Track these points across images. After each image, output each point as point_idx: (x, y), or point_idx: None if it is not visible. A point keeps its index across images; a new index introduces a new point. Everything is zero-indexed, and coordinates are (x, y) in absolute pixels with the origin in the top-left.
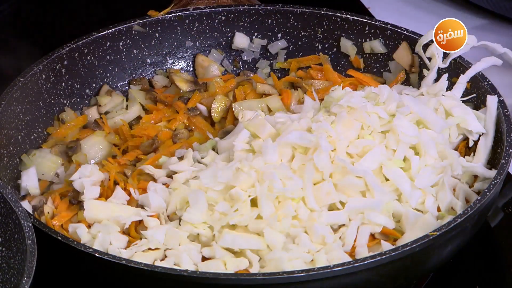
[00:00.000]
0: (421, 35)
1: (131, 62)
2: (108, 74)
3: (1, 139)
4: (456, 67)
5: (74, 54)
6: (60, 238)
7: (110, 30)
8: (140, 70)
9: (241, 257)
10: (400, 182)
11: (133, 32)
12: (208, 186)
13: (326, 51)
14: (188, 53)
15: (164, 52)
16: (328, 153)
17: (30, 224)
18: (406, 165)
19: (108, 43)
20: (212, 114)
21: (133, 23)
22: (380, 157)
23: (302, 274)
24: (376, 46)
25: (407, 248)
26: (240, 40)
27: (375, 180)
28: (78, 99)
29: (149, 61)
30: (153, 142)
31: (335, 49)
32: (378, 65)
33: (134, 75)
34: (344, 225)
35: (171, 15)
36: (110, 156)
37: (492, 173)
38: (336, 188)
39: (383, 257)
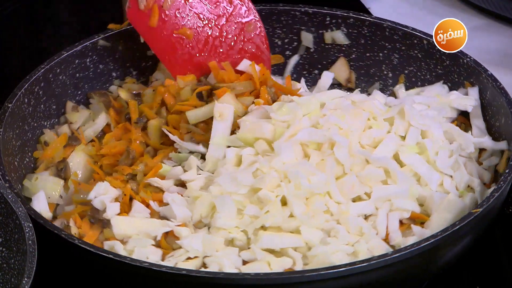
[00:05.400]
0: (385, 20)
1: (98, 77)
2: (79, 92)
3: (4, 166)
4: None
5: (48, 75)
6: (111, 255)
7: (78, 48)
8: (107, 85)
9: (283, 257)
10: (419, 167)
11: (98, 47)
12: (231, 191)
13: (286, 46)
14: (150, 63)
15: (128, 64)
16: (347, 146)
17: (30, 225)
18: (419, 150)
19: (77, 60)
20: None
21: (98, 38)
22: (395, 144)
23: (343, 269)
24: (338, 36)
25: (447, 233)
26: None
27: (398, 167)
28: (56, 120)
29: (114, 75)
30: (129, 154)
31: (295, 43)
32: (341, 54)
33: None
34: (371, 214)
35: (131, 26)
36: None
37: (502, 144)
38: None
39: (426, 243)
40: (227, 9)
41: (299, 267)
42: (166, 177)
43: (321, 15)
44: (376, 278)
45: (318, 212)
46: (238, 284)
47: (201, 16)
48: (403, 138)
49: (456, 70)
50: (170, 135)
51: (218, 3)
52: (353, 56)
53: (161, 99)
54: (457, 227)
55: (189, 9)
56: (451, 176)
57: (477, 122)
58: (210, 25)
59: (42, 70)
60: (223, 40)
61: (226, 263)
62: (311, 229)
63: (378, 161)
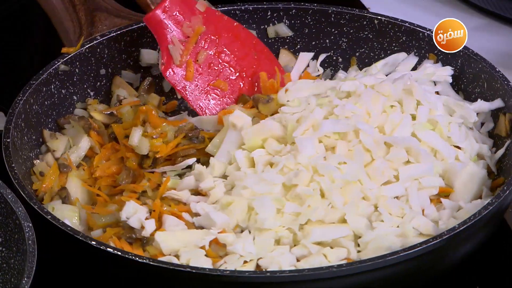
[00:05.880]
0: (328, 6)
1: (62, 103)
2: (50, 120)
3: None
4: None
5: (26, 106)
6: (199, 271)
7: (44, 75)
8: (71, 109)
9: (336, 247)
10: (436, 143)
11: (60, 72)
12: (264, 191)
13: None
14: (104, 80)
15: (85, 86)
16: (372, 132)
17: (30, 224)
18: (431, 126)
19: (44, 88)
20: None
21: (58, 64)
22: (411, 124)
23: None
24: (282, 29)
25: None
26: (147, 55)
27: (420, 146)
28: (38, 150)
29: (75, 98)
30: (129, 172)
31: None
32: (286, 46)
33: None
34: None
35: (85, 47)
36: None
37: (498, 102)
38: None
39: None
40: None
41: (354, 255)
42: (179, 188)
43: (262, 10)
44: (369, 281)
45: (357, 199)
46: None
47: (231, 66)
48: (413, 116)
49: (416, 44)
50: (160, 169)
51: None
52: (299, 46)
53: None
54: (448, 236)
55: (220, 61)
56: (460, 148)
57: (451, 92)
58: (238, 72)
59: (21, 102)
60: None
61: (284, 261)
62: (357, 217)
63: (402, 142)
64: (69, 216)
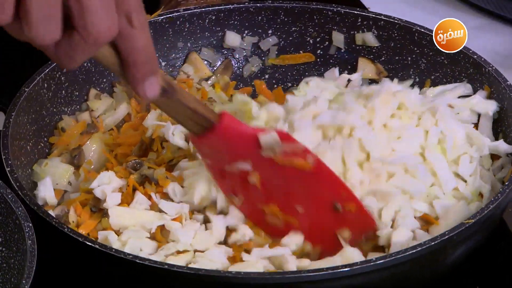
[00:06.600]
0: (414, 24)
1: None
2: (104, 80)
3: (14, 150)
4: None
5: None
6: (97, 246)
7: None
8: None
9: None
10: (440, 167)
11: None
12: None
13: (317, 45)
14: (180, 54)
15: (157, 55)
16: (368, 130)
17: (30, 224)
18: (441, 150)
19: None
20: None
21: None
22: (420, 140)
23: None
24: (369, 38)
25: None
26: (232, 38)
27: (420, 168)
28: (77, 106)
29: None
30: (142, 145)
31: (327, 43)
32: (371, 56)
33: None
34: None
35: (162, 17)
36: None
37: None
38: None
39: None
40: None
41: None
42: (176, 167)
43: (352, 16)
44: (368, 282)
45: None
46: (221, 282)
47: None
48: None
49: (479, 78)
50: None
51: None
52: (383, 58)
53: None
54: (446, 236)
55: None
56: (466, 182)
57: (488, 127)
58: None
59: None
60: None
61: (215, 260)
62: None
63: (395, 161)
64: (59, 174)
